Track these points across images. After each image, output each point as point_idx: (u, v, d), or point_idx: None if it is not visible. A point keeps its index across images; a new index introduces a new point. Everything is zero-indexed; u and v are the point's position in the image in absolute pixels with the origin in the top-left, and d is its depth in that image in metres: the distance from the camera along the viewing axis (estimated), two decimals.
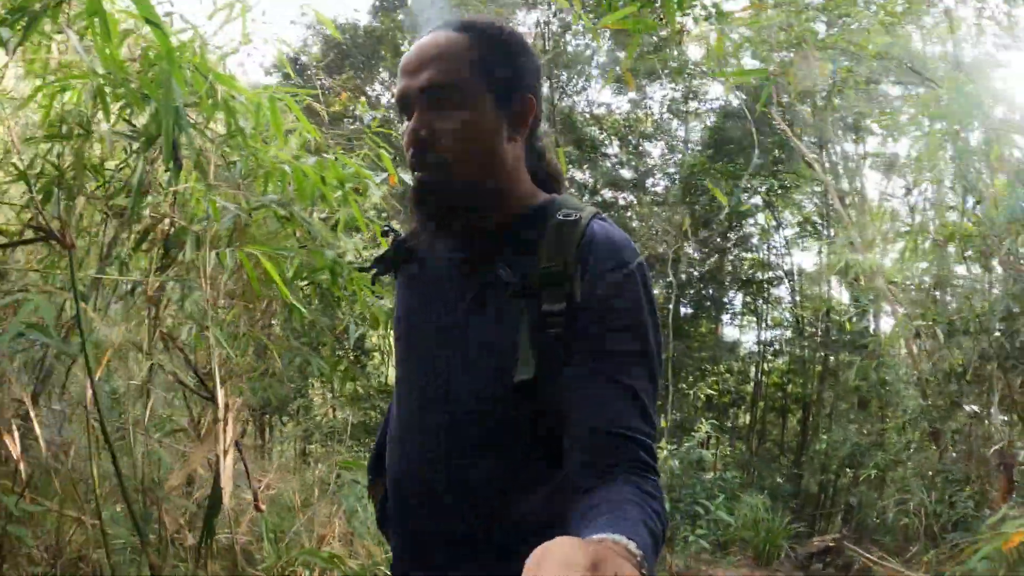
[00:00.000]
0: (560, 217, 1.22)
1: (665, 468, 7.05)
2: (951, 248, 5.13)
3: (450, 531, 1.23)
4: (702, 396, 14.13)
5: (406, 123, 1.26)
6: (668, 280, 15.09)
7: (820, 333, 13.46)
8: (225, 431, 2.18)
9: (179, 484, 2.73)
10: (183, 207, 2.61)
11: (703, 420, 8.23)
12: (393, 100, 1.76)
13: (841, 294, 13.35)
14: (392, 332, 1.49)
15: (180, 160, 2.24)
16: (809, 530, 9.12)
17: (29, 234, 2.34)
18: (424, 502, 1.26)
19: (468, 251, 1.29)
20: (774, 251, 15.47)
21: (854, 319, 7.05)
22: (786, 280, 15.26)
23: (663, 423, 9.53)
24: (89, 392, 2.21)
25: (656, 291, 13.56)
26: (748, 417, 14.81)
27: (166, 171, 2.34)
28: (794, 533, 7.98)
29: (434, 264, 1.35)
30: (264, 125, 2.63)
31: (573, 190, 15.91)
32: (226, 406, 2.22)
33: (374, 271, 1.47)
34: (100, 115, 2.33)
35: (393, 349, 1.47)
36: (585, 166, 16.33)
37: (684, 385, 12.91)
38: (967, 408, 5.39)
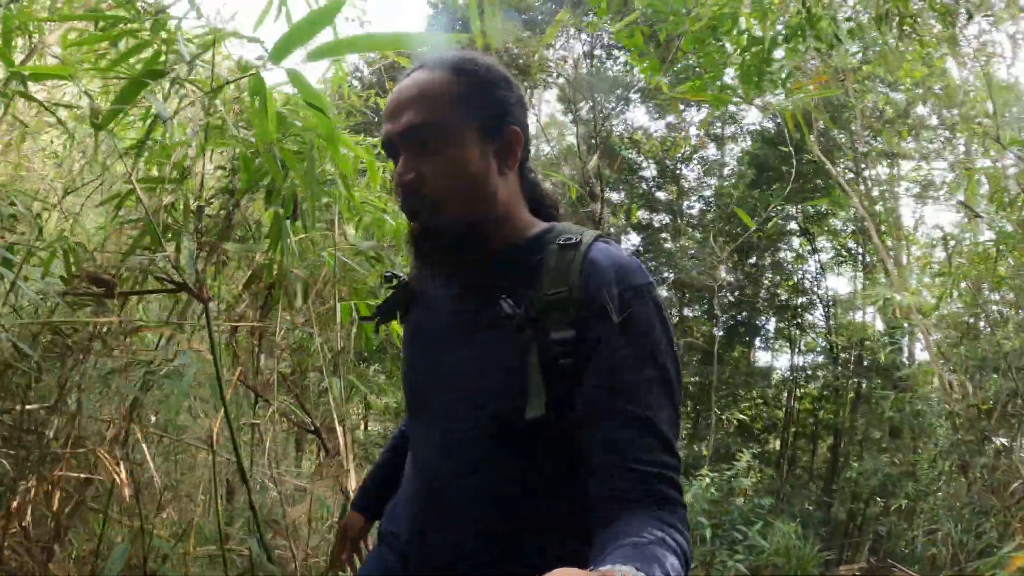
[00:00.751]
0: (561, 242, 1.19)
1: (706, 496, 7.33)
2: (984, 286, 5.38)
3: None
4: (734, 421, 14.31)
5: (396, 167, 1.26)
6: (704, 306, 15.36)
7: (853, 360, 13.58)
8: (347, 467, 2.47)
9: (299, 517, 2.92)
10: (291, 252, 2.87)
11: (743, 450, 8.46)
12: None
13: (875, 320, 13.48)
14: (402, 381, 1.43)
15: (299, 213, 2.58)
16: (838, 558, 9.30)
17: (153, 283, 2.57)
18: (443, 548, 1.22)
19: (465, 286, 1.26)
20: (808, 277, 15.63)
21: (888, 350, 7.24)
22: (820, 305, 15.38)
23: (704, 451, 9.77)
24: (225, 432, 2.41)
25: (691, 314, 13.75)
26: (779, 443, 14.94)
27: (286, 219, 2.59)
28: (823, 561, 8.18)
29: (436, 304, 1.33)
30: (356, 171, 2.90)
31: (608, 210, 16.26)
32: (346, 445, 2.51)
33: (377, 319, 1.46)
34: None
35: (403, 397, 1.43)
36: (621, 187, 16.69)
37: (717, 409, 13.14)
38: (996, 442, 5.62)
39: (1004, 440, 5.48)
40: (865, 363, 13.02)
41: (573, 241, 1.18)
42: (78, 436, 2.30)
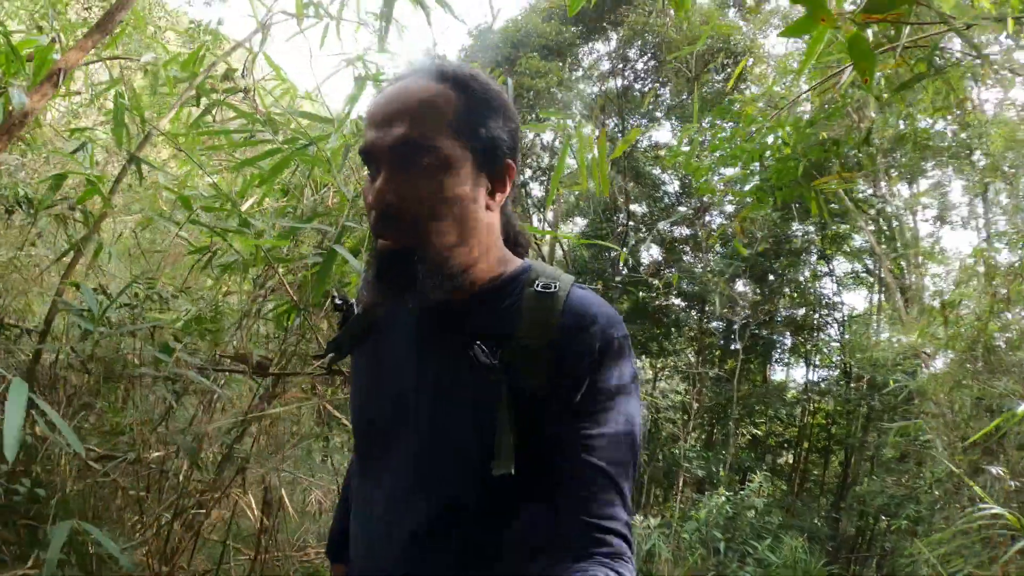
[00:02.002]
0: (538, 288, 1.15)
1: (722, 513, 7.92)
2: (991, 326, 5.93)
3: None
4: (748, 435, 14.80)
5: (368, 181, 1.18)
6: (722, 323, 15.81)
7: (866, 379, 13.99)
8: None
9: None
10: None
11: (756, 468, 8.98)
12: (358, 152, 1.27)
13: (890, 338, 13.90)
14: (351, 416, 1.36)
15: None
16: (843, 572, 9.83)
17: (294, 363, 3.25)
18: None
19: (435, 325, 1.20)
20: (825, 294, 16.05)
21: (894, 380, 7.73)
22: (835, 324, 15.81)
23: (721, 472, 10.31)
24: None
25: (714, 324, 14.12)
26: (791, 456, 15.41)
27: None
28: (828, 574, 8.73)
29: (399, 337, 1.25)
30: None
31: (631, 222, 16.83)
32: None
33: (330, 356, 1.36)
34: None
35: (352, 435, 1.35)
36: (644, 201, 17.22)
37: (731, 423, 13.64)
38: (994, 471, 6.17)
39: (1001, 469, 6.04)
40: (879, 380, 13.44)
41: (552, 289, 1.15)
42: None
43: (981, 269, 5.31)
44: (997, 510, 4.23)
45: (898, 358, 7.68)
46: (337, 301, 1.36)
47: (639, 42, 15.88)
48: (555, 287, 1.15)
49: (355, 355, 1.35)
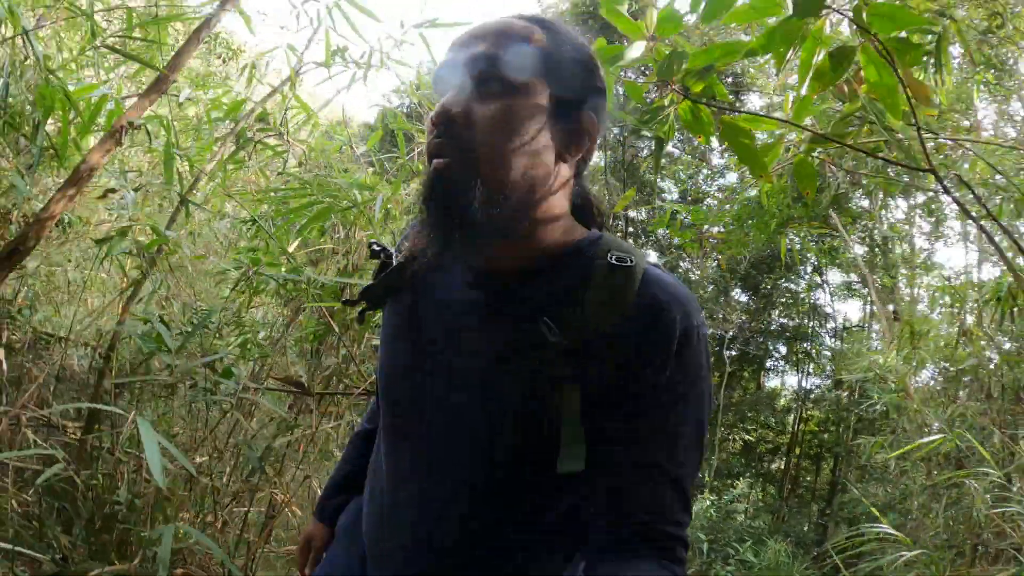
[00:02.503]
0: (612, 260, 1.04)
1: (706, 515, 8.32)
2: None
3: None
4: (740, 441, 15.16)
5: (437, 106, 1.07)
6: (719, 331, 16.13)
7: (856, 388, 14.31)
8: None
9: None
10: None
11: (741, 479, 9.37)
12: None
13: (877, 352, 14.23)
14: (377, 375, 1.26)
15: None
16: None
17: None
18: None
19: (491, 291, 1.10)
20: (818, 303, 16.39)
21: (880, 397, 8.07)
22: (826, 335, 16.16)
23: (706, 477, 10.69)
24: None
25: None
26: (783, 462, 15.75)
27: None
28: None
29: (441, 301, 1.15)
30: None
31: (631, 228, 17.21)
32: None
33: (362, 306, 1.26)
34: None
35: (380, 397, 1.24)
36: (642, 207, 17.59)
37: (723, 428, 13.96)
38: (971, 484, 6.58)
39: (976, 485, 6.44)
40: (867, 392, 13.75)
41: (627, 264, 1.03)
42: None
43: (947, 299, 5.72)
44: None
45: (883, 372, 8.07)
46: (375, 247, 1.26)
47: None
48: (630, 261, 1.04)
49: (389, 310, 1.24)
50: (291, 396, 3.46)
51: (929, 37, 2.02)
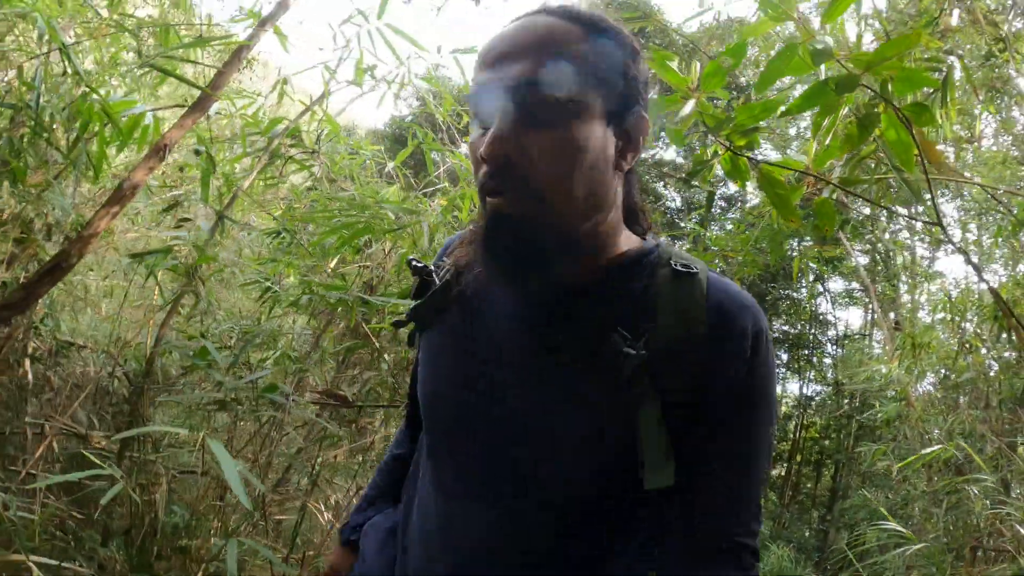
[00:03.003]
0: (678, 267, 1.01)
1: None
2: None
3: None
4: None
5: (478, 131, 1.01)
6: None
7: (858, 395, 14.48)
8: None
9: None
10: None
11: None
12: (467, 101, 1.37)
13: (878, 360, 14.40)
14: (422, 396, 1.18)
15: None
16: None
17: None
18: None
19: (551, 307, 1.04)
20: (820, 314, 16.59)
21: (882, 408, 8.25)
22: (828, 342, 16.36)
23: None
24: None
25: None
26: (784, 469, 15.95)
27: None
28: None
29: (494, 319, 1.09)
30: None
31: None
32: None
33: (411, 326, 1.20)
34: None
35: (425, 420, 1.18)
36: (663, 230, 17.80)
37: None
38: (971, 490, 6.77)
39: (976, 490, 6.63)
40: (868, 400, 13.93)
41: (692, 270, 1.01)
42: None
43: (944, 315, 5.92)
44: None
45: (884, 383, 8.26)
46: (416, 264, 1.20)
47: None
48: (695, 268, 1.02)
49: (433, 329, 1.18)
50: (327, 409, 3.59)
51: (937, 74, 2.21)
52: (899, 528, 4.47)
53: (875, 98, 1.66)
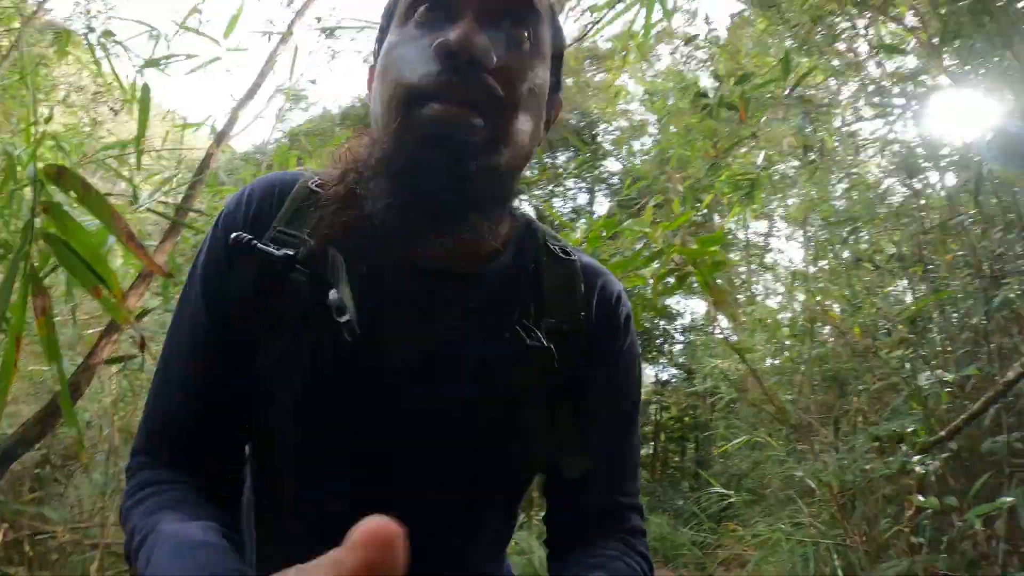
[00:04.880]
0: (556, 250, 0.99)
1: None
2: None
3: None
4: None
5: (430, 34, 0.81)
6: None
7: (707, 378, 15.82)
8: None
9: None
10: None
11: None
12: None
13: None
14: (288, 404, 0.92)
15: None
16: (715, 543, 11.50)
17: None
18: None
19: (447, 292, 0.92)
20: (665, 306, 17.79)
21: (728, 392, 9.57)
22: (677, 331, 17.61)
23: None
24: None
25: None
26: (651, 448, 16.69)
27: None
28: (690, 542, 10.46)
29: (379, 302, 0.88)
30: None
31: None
32: None
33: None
34: None
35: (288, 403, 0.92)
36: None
37: None
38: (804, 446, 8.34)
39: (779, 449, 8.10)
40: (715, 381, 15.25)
41: (572, 256, 0.99)
42: None
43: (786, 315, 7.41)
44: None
45: (723, 373, 9.74)
46: (241, 238, 0.89)
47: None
48: (571, 250, 1.00)
49: (264, 314, 0.91)
50: None
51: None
52: (723, 490, 6.10)
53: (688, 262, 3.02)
